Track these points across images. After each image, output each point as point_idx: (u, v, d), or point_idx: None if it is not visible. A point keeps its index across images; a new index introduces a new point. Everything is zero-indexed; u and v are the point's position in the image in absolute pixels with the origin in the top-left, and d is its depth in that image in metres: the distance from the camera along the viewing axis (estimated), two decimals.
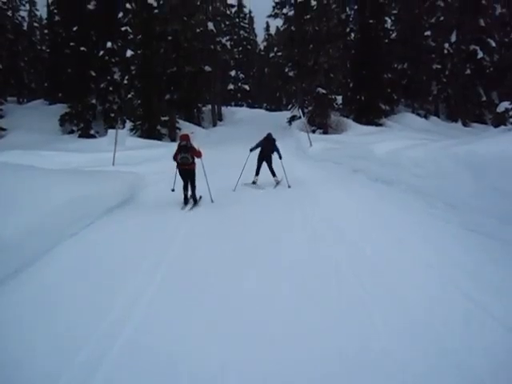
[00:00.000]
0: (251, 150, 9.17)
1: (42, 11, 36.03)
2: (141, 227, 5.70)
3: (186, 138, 7.24)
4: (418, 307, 3.05)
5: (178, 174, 7.29)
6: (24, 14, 37.09)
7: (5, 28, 30.81)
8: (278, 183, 9.00)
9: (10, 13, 33.81)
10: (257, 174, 9.05)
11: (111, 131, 11.81)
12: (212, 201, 7.35)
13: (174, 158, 7.18)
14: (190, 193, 7.31)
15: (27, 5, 37.40)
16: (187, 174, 7.20)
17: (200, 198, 7.48)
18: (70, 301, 3.41)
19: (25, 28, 37.20)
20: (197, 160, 7.28)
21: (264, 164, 9.16)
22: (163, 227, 5.70)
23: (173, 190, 7.34)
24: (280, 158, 8.98)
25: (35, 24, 39.45)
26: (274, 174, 9.10)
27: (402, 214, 5.52)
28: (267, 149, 9.03)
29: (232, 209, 6.78)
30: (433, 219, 5.15)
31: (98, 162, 12.53)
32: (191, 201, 7.28)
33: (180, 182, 7.30)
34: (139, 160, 13.30)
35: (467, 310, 2.93)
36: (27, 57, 34.46)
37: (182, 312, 3.21)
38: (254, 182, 8.94)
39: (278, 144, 9.25)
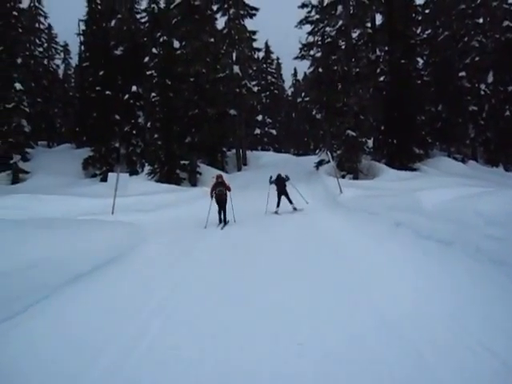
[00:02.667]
0: (270, 184, 12.09)
1: (75, 59, 37.51)
2: (106, 313, 3.97)
3: (220, 177, 10.73)
4: None
5: (214, 202, 10.20)
6: (58, 62, 38.70)
7: (40, 75, 31.99)
8: (295, 209, 11.39)
9: (45, 61, 35.34)
10: (277, 205, 11.52)
11: (111, 175, 10.67)
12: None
13: (212, 191, 10.29)
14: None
15: (62, 53, 39.09)
16: (222, 201, 10.18)
17: (228, 221, 10.24)
18: None
19: (60, 76, 38.71)
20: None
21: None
22: (131, 317, 3.81)
23: (205, 227, 9.52)
24: (288, 179, 11.97)
25: (69, 72, 40.96)
26: (290, 202, 11.61)
27: (484, 298, 3.62)
28: (280, 186, 11.77)
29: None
30: None
31: (107, 208, 11.48)
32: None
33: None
34: (150, 206, 12.21)
35: None
36: (61, 103, 35.43)
37: None
38: (276, 212, 11.38)
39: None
